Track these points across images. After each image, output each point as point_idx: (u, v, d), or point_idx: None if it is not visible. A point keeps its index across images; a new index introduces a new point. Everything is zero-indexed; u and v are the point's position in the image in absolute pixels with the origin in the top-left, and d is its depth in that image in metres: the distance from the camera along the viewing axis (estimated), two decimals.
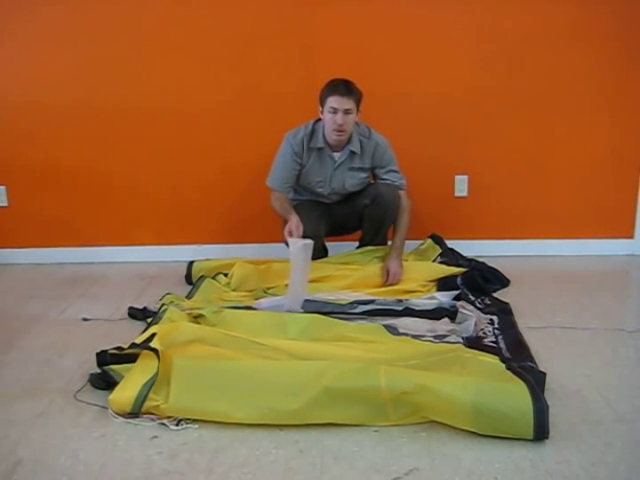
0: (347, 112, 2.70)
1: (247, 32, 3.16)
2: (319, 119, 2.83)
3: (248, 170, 3.24)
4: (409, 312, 2.46)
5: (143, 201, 3.36)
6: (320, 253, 2.92)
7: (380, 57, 3.18)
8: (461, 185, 3.32)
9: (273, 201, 2.84)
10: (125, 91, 3.23)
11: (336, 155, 2.86)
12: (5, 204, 3.35)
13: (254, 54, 3.18)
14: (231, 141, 3.27)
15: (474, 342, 2.19)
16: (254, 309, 2.50)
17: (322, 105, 2.75)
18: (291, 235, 2.57)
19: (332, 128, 2.74)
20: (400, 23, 3.15)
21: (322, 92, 2.75)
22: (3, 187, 3.34)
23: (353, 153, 2.85)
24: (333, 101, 2.69)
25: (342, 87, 2.69)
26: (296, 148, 2.83)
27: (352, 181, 2.90)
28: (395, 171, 2.91)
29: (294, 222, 2.63)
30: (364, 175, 2.92)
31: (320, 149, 2.84)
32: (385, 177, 2.90)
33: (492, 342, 2.21)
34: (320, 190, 2.93)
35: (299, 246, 2.46)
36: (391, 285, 2.74)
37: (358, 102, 2.74)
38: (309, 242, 2.47)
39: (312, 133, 2.84)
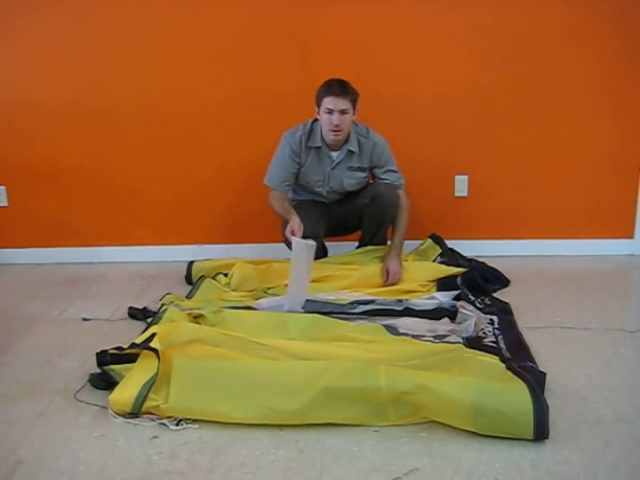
0: (343, 112, 2.69)
1: (246, 32, 3.16)
2: (317, 118, 2.83)
3: (248, 170, 3.23)
4: (409, 312, 2.46)
5: (143, 201, 3.36)
6: (320, 253, 2.91)
7: (380, 57, 3.18)
8: (461, 185, 3.32)
9: (272, 200, 2.83)
10: (125, 91, 3.23)
11: (334, 154, 2.86)
12: (5, 204, 3.35)
13: (253, 54, 3.18)
14: (231, 141, 3.27)
15: (474, 342, 2.19)
16: (254, 309, 2.50)
17: (318, 106, 2.75)
18: (294, 235, 2.57)
19: (329, 128, 2.74)
20: (400, 23, 3.15)
21: (318, 93, 2.74)
22: (3, 187, 3.34)
23: (351, 152, 2.85)
24: (329, 102, 2.69)
25: (337, 87, 2.69)
26: (294, 147, 2.83)
27: (350, 180, 2.90)
28: (394, 171, 2.91)
29: (296, 222, 2.62)
30: (362, 175, 2.91)
31: (318, 148, 2.84)
32: (384, 177, 2.90)
33: (492, 342, 2.21)
34: (319, 189, 2.93)
35: (302, 246, 2.45)
36: (391, 285, 2.74)
37: (354, 102, 2.73)
38: (312, 243, 2.47)
39: (310, 132, 2.84)
